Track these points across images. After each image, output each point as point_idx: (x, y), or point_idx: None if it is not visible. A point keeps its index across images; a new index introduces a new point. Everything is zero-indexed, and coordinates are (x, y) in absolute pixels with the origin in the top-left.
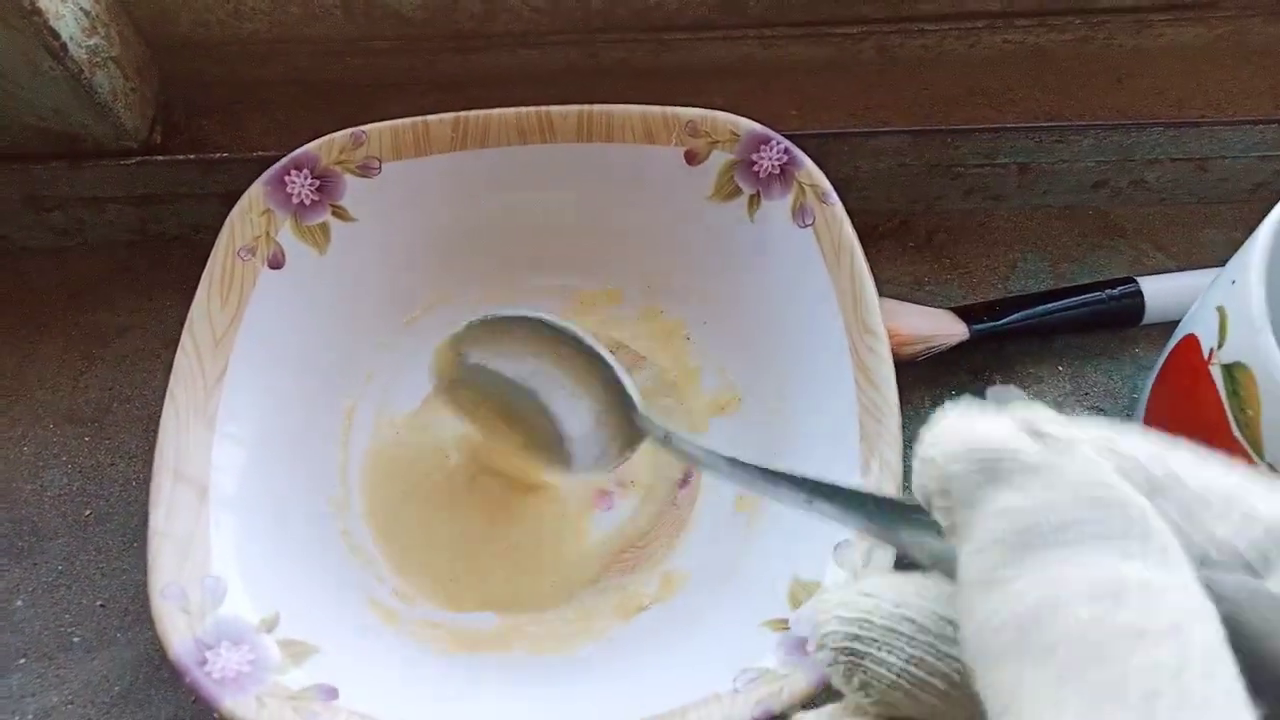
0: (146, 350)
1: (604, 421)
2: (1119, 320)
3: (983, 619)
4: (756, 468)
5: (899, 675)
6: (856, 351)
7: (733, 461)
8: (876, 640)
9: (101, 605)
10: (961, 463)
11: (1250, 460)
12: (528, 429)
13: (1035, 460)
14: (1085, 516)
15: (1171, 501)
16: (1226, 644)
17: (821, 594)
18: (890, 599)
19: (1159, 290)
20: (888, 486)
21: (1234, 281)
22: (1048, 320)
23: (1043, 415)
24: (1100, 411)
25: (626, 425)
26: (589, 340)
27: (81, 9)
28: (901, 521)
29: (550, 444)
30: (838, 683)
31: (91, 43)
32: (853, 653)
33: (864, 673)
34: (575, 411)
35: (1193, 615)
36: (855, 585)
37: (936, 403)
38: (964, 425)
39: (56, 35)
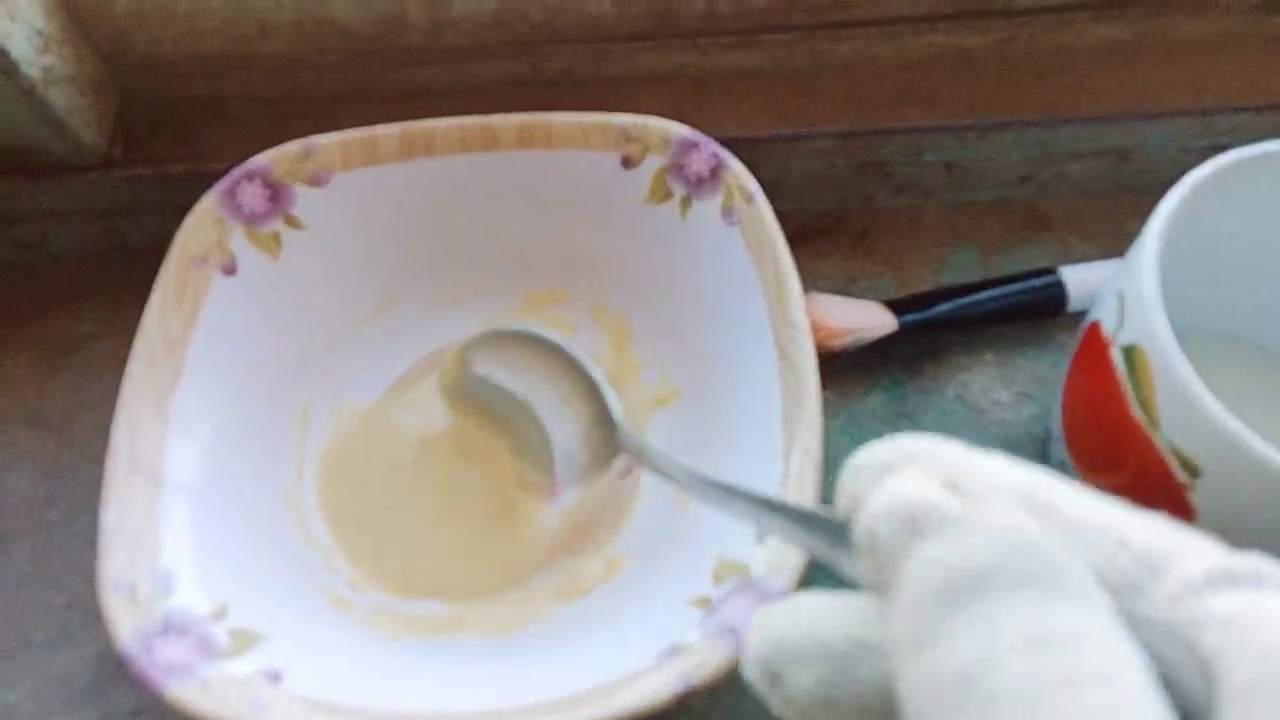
0: (111, 358)
1: (589, 438)
2: (1043, 309)
3: (918, 679)
4: (717, 484)
5: (811, 692)
6: (780, 342)
7: (696, 476)
8: (789, 659)
9: (64, 604)
10: (885, 520)
11: (1149, 437)
12: (520, 438)
13: (953, 512)
14: (1007, 564)
15: (1051, 527)
16: (1154, 683)
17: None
18: (805, 620)
19: (1080, 279)
20: (808, 472)
21: (1130, 266)
22: (975, 311)
23: (961, 466)
24: (1027, 397)
25: (608, 442)
26: (580, 358)
27: (34, 28)
28: (841, 543)
29: (538, 454)
30: (764, 695)
31: (45, 61)
32: (770, 671)
33: (783, 688)
34: (563, 426)
35: (1119, 662)
36: (777, 606)
37: (870, 391)
38: (889, 485)
39: (6, 54)
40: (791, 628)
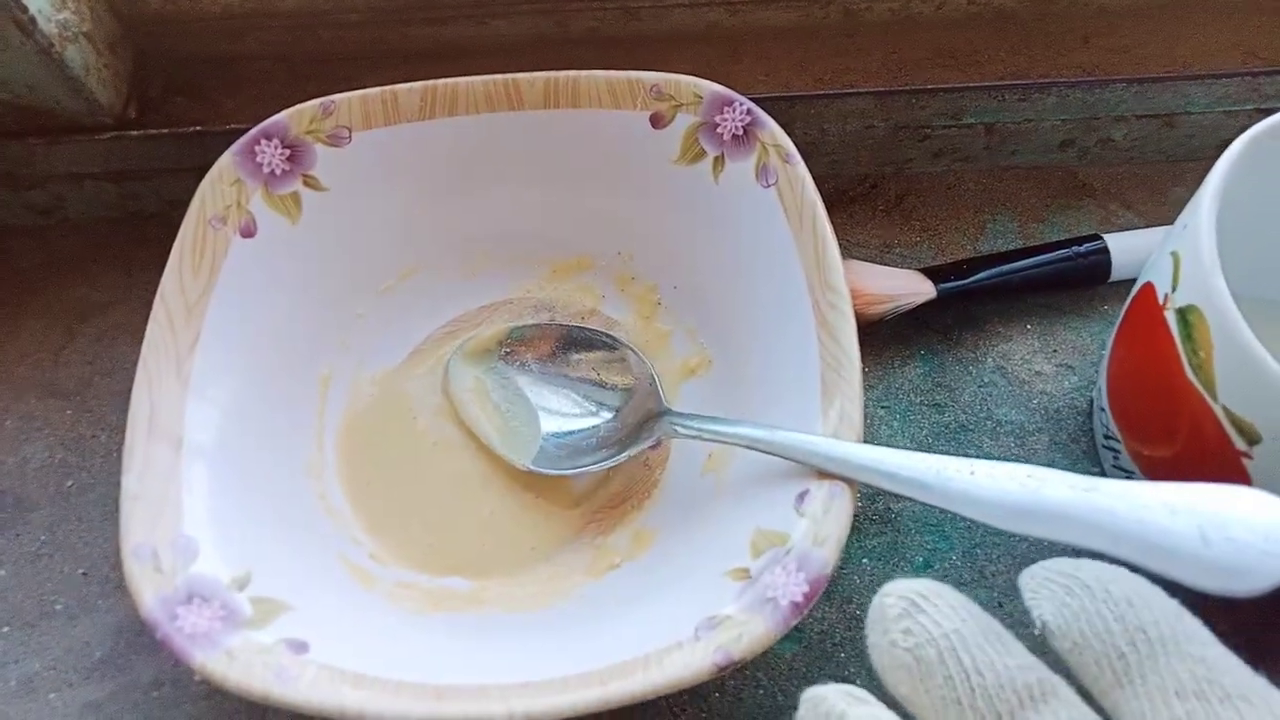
0: (127, 325)
1: (626, 421)
2: (1087, 278)
3: None
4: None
5: (939, 637)
6: (819, 308)
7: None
8: (938, 607)
9: (83, 574)
10: None
11: (1205, 403)
12: (507, 422)
13: None
14: None
15: None
16: None
17: None
18: (960, 595)
19: (1125, 247)
20: (847, 437)
21: (1186, 226)
22: (1015, 279)
23: None
24: (1069, 368)
25: (649, 426)
26: (632, 351)
27: None
28: None
29: (524, 439)
30: (886, 620)
31: (61, 17)
32: (914, 603)
33: (913, 620)
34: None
35: None
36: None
37: (908, 362)
38: None
39: (25, 9)
40: (953, 593)
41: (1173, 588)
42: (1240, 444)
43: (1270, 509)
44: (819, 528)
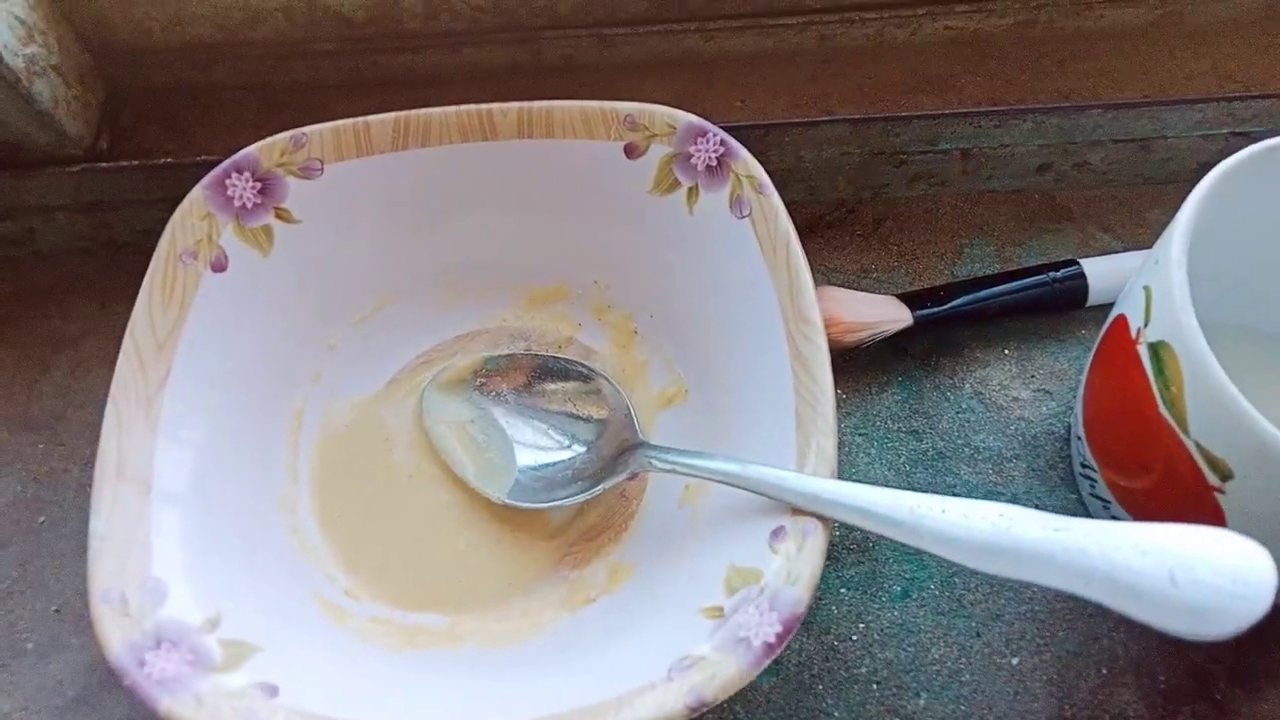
0: (100, 357)
1: (601, 453)
2: (1064, 302)
3: None
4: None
5: None
6: (793, 340)
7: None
8: None
9: (55, 611)
10: None
11: (1178, 438)
12: (482, 454)
13: None
14: None
15: None
16: None
17: None
18: None
19: (1102, 271)
20: (822, 473)
21: (1158, 260)
22: (993, 304)
23: None
24: (1046, 394)
25: (624, 459)
26: (608, 382)
27: (16, 17)
28: None
29: (499, 472)
30: None
31: (28, 51)
32: None
33: None
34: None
35: None
36: None
37: (884, 389)
38: None
39: None
40: None
41: (1145, 630)
42: (1213, 479)
43: (1239, 552)
44: (793, 565)
